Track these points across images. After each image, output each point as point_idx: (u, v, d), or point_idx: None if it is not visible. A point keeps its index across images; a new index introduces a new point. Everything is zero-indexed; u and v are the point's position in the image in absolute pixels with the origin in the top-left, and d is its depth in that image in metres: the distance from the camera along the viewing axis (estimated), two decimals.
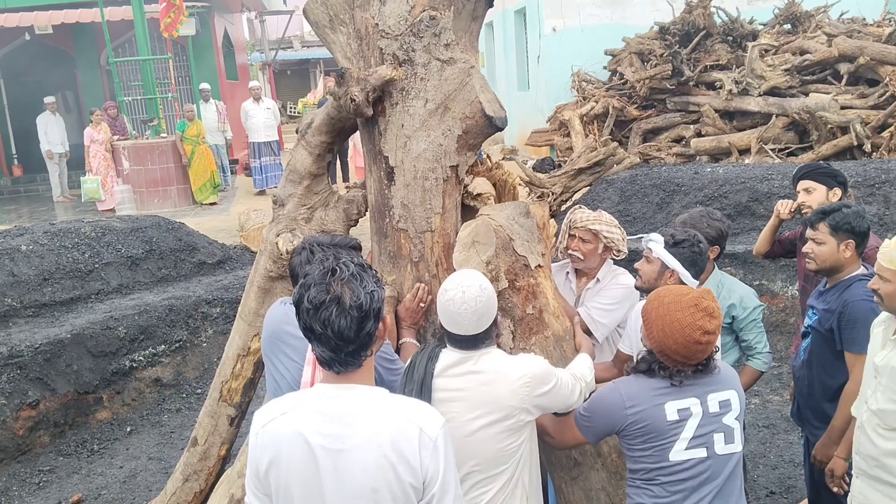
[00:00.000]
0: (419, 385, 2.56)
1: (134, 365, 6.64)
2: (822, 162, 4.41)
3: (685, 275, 3.22)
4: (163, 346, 6.89)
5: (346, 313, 1.92)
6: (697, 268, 3.26)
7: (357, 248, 2.99)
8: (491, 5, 3.35)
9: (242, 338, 3.89)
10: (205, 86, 15.27)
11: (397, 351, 3.09)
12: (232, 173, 16.32)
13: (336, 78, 3.13)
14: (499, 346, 2.73)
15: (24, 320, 6.57)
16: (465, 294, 2.52)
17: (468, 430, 2.52)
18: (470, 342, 2.57)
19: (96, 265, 7.39)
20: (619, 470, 3.21)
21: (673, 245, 3.23)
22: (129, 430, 6.21)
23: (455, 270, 2.86)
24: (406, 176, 3.15)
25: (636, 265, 3.39)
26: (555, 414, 2.88)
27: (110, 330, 6.53)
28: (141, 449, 5.90)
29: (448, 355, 2.61)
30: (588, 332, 3.47)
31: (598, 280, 3.60)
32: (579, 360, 2.99)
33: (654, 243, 3.26)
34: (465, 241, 3.04)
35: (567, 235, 3.63)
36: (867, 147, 8.79)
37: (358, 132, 3.49)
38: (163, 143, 13.83)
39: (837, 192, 4.04)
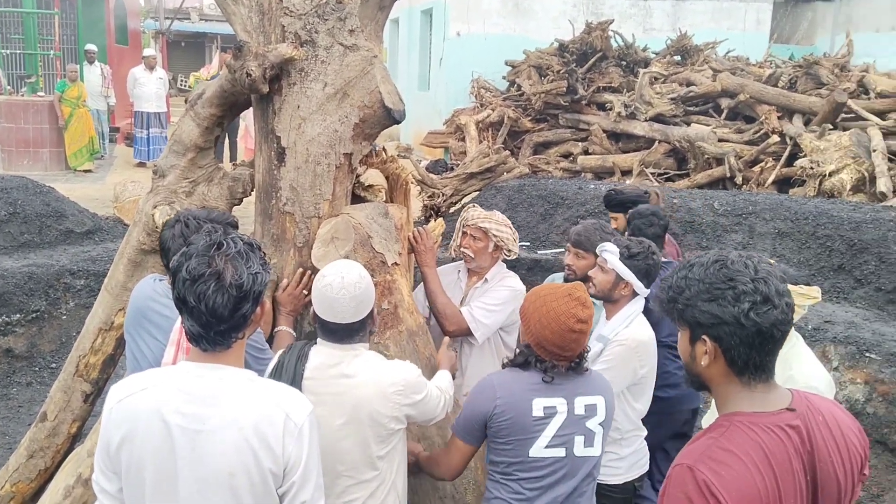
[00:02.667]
0: None
1: None
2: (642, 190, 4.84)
3: (639, 286, 3.33)
4: (18, 315, 6.44)
5: (223, 290, 1.84)
6: (650, 278, 3.37)
7: (234, 225, 2.88)
8: None
9: (106, 311, 3.69)
10: (91, 47, 14.42)
11: (271, 338, 3.01)
12: (111, 142, 15.51)
13: (234, 51, 3.02)
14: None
15: None
16: (345, 279, 2.46)
17: (339, 434, 2.46)
18: (345, 332, 2.50)
19: None
20: None
21: (628, 257, 3.33)
22: None
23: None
24: (297, 158, 3.07)
25: (590, 273, 3.44)
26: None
27: None
28: None
29: (318, 354, 2.53)
30: (469, 333, 3.49)
31: (486, 280, 3.62)
32: (441, 375, 2.96)
33: (609, 254, 3.34)
34: (325, 237, 3.04)
35: (460, 233, 3.64)
36: (738, 179, 9.33)
37: (251, 110, 3.39)
38: (39, 101, 13.01)
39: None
